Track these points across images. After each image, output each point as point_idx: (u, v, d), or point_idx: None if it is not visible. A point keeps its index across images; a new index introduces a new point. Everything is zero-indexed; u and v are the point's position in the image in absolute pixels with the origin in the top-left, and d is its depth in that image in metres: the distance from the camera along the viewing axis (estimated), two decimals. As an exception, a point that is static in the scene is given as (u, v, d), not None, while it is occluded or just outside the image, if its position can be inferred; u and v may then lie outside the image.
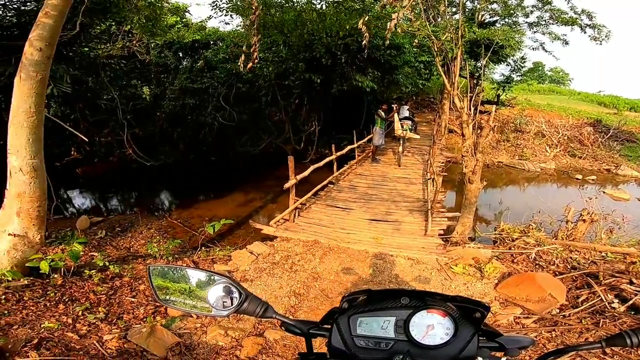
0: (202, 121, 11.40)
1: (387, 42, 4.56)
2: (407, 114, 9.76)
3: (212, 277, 0.73)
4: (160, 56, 11.52)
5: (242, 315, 3.21)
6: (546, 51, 14.11)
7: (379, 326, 0.76)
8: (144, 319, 3.02)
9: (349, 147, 9.52)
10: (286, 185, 5.77)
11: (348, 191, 7.87)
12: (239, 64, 4.84)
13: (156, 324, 2.81)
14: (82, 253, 3.77)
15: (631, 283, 3.79)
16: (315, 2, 10.03)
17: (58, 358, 2.25)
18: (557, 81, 41.08)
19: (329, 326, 0.79)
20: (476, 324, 0.74)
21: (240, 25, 12.66)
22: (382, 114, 9.48)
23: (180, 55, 12.41)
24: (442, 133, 13.18)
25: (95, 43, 9.09)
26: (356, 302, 0.78)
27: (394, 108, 9.65)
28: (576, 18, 12.60)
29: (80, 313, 2.90)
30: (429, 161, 9.27)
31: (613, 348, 2.81)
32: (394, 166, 10.00)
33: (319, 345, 0.85)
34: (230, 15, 10.50)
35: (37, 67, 2.79)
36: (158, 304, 3.34)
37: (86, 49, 8.55)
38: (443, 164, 10.24)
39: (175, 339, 2.78)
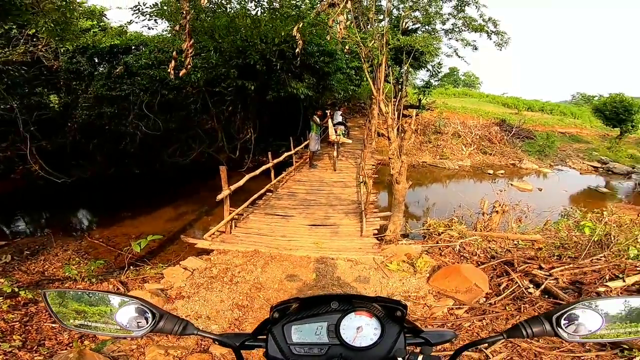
0: (122, 131, 10.52)
1: (340, 46, 4.55)
2: (340, 119, 10.01)
3: (120, 300, 0.69)
4: (71, 62, 10.33)
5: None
6: (459, 57, 15.70)
7: (312, 332, 0.77)
8: (70, 344, 2.74)
9: (286, 154, 9.50)
10: (219, 197, 5.55)
11: (287, 198, 7.85)
12: (168, 70, 4.52)
13: (85, 348, 2.54)
14: None
15: (540, 268, 4.23)
16: (249, 8, 9.88)
17: None
18: (469, 85, 45.76)
19: (264, 337, 0.79)
20: (399, 322, 0.78)
21: (166, 30, 11.93)
22: (317, 119, 9.63)
23: (96, 60, 11.26)
24: (372, 137, 13.79)
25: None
26: (289, 311, 0.79)
27: (328, 114, 9.88)
28: (484, 25, 14.25)
29: None
30: (361, 164, 9.64)
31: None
32: (330, 171, 10.22)
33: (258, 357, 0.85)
34: (155, 20, 9.84)
35: None
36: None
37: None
38: (374, 167, 10.75)
39: None
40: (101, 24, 12.68)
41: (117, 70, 10.23)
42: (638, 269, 3.96)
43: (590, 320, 0.67)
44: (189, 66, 4.31)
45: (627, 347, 2.75)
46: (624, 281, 3.71)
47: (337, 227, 6.24)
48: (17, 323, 2.99)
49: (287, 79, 10.61)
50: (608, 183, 15.50)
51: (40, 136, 9.39)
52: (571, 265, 4.26)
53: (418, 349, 0.77)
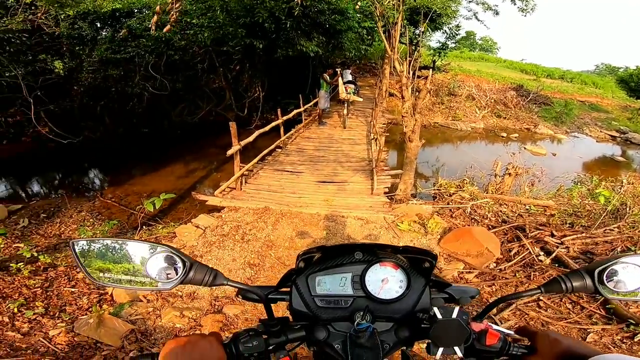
0: (129, 92, 10.43)
1: (352, 4, 4.21)
2: (350, 78, 9.81)
3: (150, 247, 0.63)
4: (73, 28, 10.10)
5: (197, 294, 3.15)
6: (479, 20, 14.82)
7: (336, 284, 0.75)
8: (90, 309, 2.80)
9: (295, 111, 9.39)
10: (229, 152, 5.48)
11: (296, 154, 7.80)
12: (150, 26, 4.22)
13: (104, 313, 2.62)
14: (3, 245, 3.41)
15: (552, 235, 4.18)
16: None
17: None
18: (486, 49, 43.98)
19: (288, 289, 0.77)
20: (426, 274, 0.75)
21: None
22: (327, 78, 9.48)
23: (98, 25, 10.96)
24: (383, 96, 13.51)
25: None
26: (312, 261, 0.76)
27: (338, 72, 9.63)
28: None
29: (16, 310, 2.62)
30: (372, 123, 9.50)
31: (546, 300, 3.20)
32: (340, 128, 10.15)
33: (282, 310, 0.81)
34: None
35: None
36: (102, 291, 3.11)
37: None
38: (385, 125, 10.59)
39: (129, 326, 2.61)
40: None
41: (121, 34, 10.00)
42: None
43: (631, 277, 0.63)
44: (172, 21, 4.02)
45: (633, 322, 2.74)
46: (636, 254, 3.67)
47: (346, 184, 6.20)
48: (39, 289, 3.02)
49: (297, 38, 10.24)
50: (624, 152, 15.07)
51: (47, 100, 9.36)
52: (583, 234, 4.20)
53: (452, 304, 0.75)
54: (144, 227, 4.98)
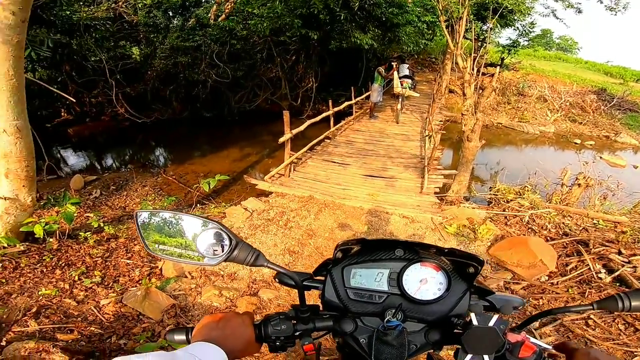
0: (195, 79, 11.12)
1: None
2: (407, 72, 9.50)
3: (202, 223, 0.67)
4: (149, 16, 11.03)
5: (237, 274, 3.30)
6: (557, 18, 13.42)
7: (372, 278, 0.74)
8: (140, 281, 3.01)
9: (346, 103, 9.33)
10: (281, 140, 5.63)
11: (345, 146, 7.78)
12: (209, 15, 4.37)
13: (151, 286, 2.80)
14: (76, 214, 3.65)
15: (620, 253, 3.78)
16: None
17: (57, 326, 2.24)
18: (565, 49, 40.17)
19: (322, 278, 0.77)
20: (469, 279, 0.73)
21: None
22: (383, 71, 9.27)
23: (170, 14, 11.84)
24: (442, 92, 12.91)
25: (78, 6, 8.86)
26: (350, 253, 0.76)
27: (394, 66, 9.37)
28: None
29: (76, 278, 2.88)
30: (428, 119, 9.15)
31: (597, 319, 2.90)
32: (392, 123, 9.91)
33: (314, 298, 0.81)
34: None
35: (12, 30, 2.72)
36: (153, 264, 3.34)
37: (67, 12, 8.23)
38: (442, 122, 10.13)
39: (171, 301, 2.77)
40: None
41: (190, 23, 10.71)
42: None
43: None
44: (227, 11, 4.10)
45: None
46: None
47: (395, 180, 6.05)
48: (100, 259, 3.21)
49: (351, 30, 10.23)
50: None
51: (125, 83, 10.32)
52: None
53: (493, 313, 0.71)
54: (198, 205, 5.24)
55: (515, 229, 4.69)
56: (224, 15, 4.11)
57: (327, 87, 12.57)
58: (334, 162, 6.76)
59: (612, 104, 16.59)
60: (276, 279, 0.76)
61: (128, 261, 3.32)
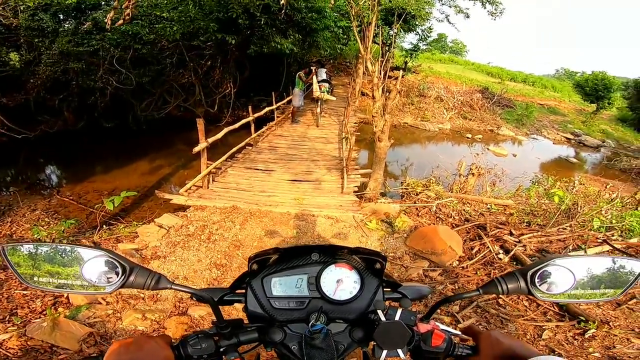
0: (91, 86, 9.94)
1: (329, 3, 4.08)
2: (324, 76, 9.73)
3: (88, 252, 0.63)
4: (33, 19, 9.48)
5: (160, 296, 3.04)
6: (450, 23, 15.27)
7: (293, 285, 0.75)
8: (44, 312, 2.63)
9: (267, 109, 9.29)
10: (196, 149, 5.33)
11: (268, 152, 7.71)
12: (105, 20, 3.95)
13: (59, 316, 2.48)
14: None
15: (511, 234, 4.34)
16: None
17: None
18: (456, 52, 45.31)
19: (243, 291, 0.76)
20: (378, 275, 0.76)
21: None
22: (303, 76, 9.41)
23: (61, 17, 10.39)
24: (356, 96, 13.67)
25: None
26: (268, 263, 0.76)
27: (313, 71, 9.57)
28: None
29: None
30: (344, 122, 9.58)
31: (505, 298, 3.34)
32: (313, 126, 10.15)
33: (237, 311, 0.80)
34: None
35: None
36: (58, 294, 2.90)
37: None
38: (356, 124, 10.73)
39: (86, 330, 2.49)
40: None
41: (85, 26, 9.49)
42: (599, 240, 4.13)
43: (562, 279, 0.65)
44: (127, 17, 3.79)
45: (583, 318, 2.89)
46: (585, 252, 3.85)
47: (319, 182, 6.21)
48: None
49: (272, 34, 10.15)
50: (578, 154, 16.12)
51: (0, 93, 8.90)
52: (539, 233, 4.39)
53: (397, 304, 0.75)
54: (104, 226, 4.77)
55: (426, 219, 5.16)
56: (122, 21, 3.71)
57: (247, 93, 12.29)
58: (258, 169, 6.65)
59: (494, 101, 19.52)
60: (191, 298, 0.73)
61: (25, 292, 2.88)
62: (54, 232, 4.40)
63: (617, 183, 8.22)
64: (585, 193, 5.83)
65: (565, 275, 0.65)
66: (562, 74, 50.63)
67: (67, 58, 9.54)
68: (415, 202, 5.60)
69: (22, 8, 9.14)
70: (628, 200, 5.84)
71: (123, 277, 0.62)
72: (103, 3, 10.64)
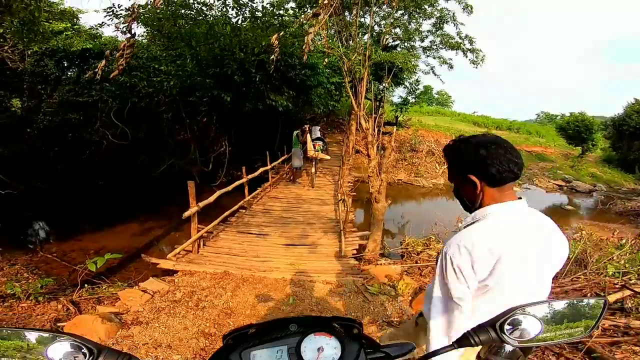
0: (87, 139, 9.97)
1: (305, 57, 4.28)
2: (318, 134, 9.87)
3: (51, 337, 0.62)
4: (38, 65, 9.77)
5: None
6: (435, 74, 16.27)
7: (273, 356, 0.75)
8: None
9: (262, 169, 9.20)
10: (186, 214, 5.21)
11: (262, 215, 7.53)
12: (97, 70, 3.95)
13: None
14: None
15: None
16: (230, 15, 9.60)
17: None
18: (442, 103, 47.69)
19: None
20: (358, 339, 0.78)
21: (143, 36, 11.53)
22: (300, 134, 9.44)
23: (65, 64, 10.69)
24: (350, 153, 13.83)
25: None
26: (245, 337, 0.77)
27: (306, 129, 9.69)
28: (460, 43, 14.76)
29: None
30: (339, 182, 9.51)
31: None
32: (308, 187, 9.97)
33: None
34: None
35: None
36: None
37: None
38: (352, 184, 10.63)
39: None
40: (75, 27, 12.07)
41: (87, 75, 9.69)
42: (617, 286, 4.04)
43: (531, 325, 0.70)
44: (121, 68, 3.84)
45: (598, 354, 2.74)
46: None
47: (316, 246, 5.99)
48: None
49: (266, 91, 10.40)
50: (571, 200, 16.22)
51: None
52: (553, 285, 4.22)
53: None
54: (86, 285, 4.63)
55: (429, 279, 4.93)
56: (116, 72, 3.74)
57: (242, 151, 12.29)
58: (251, 233, 6.44)
59: (481, 151, 20.01)
60: None
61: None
62: (30, 288, 4.24)
63: (622, 227, 8.15)
64: (592, 240, 5.74)
65: (532, 322, 0.70)
66: (543, 118, 52.77)
67: (66, 108, 9.59)
68: (416, 262, 5.39)
69: (29, 52, 9.40)
70: (632, 242, 5.77)
71: (91, 358, 0.62)
72: (107, 52, 11.00)
